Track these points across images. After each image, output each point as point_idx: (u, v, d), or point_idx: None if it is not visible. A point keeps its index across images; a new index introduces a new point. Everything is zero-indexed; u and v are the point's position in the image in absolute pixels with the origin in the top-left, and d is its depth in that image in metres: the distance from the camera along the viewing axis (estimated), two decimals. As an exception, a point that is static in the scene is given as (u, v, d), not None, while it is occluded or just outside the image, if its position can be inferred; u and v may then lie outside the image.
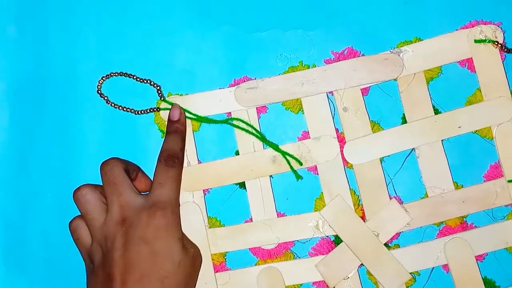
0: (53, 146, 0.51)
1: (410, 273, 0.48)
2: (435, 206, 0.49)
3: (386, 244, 0.49)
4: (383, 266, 0.48)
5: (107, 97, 0.51)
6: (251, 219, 0.50)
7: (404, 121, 0.50)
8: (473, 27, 0.49)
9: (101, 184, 0.46)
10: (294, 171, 0.49)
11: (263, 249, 0.49)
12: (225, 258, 0.50)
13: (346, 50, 0.50)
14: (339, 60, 0.50)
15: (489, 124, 0.49)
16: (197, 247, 0.48)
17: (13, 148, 0.52)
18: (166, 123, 0.49)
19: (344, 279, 0.49)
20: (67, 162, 0.51)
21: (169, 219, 0.44)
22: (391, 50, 0.49)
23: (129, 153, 0.51)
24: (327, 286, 0.49)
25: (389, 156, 0.49)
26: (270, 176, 0.50)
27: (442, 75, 0.50)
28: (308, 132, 0.50)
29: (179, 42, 0.52)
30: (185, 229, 0.49)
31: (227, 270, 0.50)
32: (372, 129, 0.49)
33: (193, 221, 0.49)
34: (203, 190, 0.50)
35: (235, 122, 0.50)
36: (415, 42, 0.50)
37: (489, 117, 0.49)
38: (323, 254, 0.49)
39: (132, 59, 0.51)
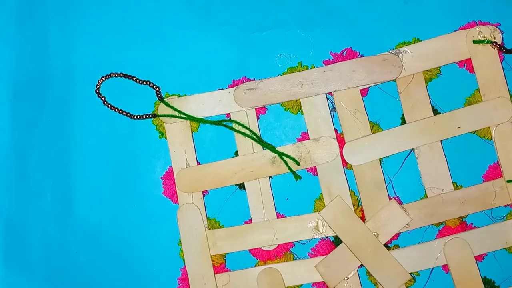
0: (53, 146, 0.51)
1: (410, 274, 0.48)
2: (435, 206, 0.49)
3: (386, 245, 0.49)
4: (383, 267, 0.48)
5: (104, 98, 0.51)
6: (251, 220, 0.50)
7: (403, 121, 0.50)
8: (471, 27, 0.49)
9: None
10: (293, 172, 0.49)
11: (263, 250, 0.49)
12: (225, 259, 0.50)
13: (345, 51, 0.50)
14: (338, 61, 0.50)
15: (488, 124, 0.49)
16: None
17: (13, 148, 0.52)
18: None
19: (344, 279, 0.49)
20: (66, 162, 0.51)
21: None
22: (390, 51, 0.50)
23: (128, 153, 0.51)
24: (327, 286, 0.49)
25: (388, 156, 0.49)
26: (270, 177, 0.50)
27: (441, 76, 0.50)
28: (307, 133, 0.50)
29: (179, 42, 0.52)
30: (185, 230, 0.49)
31: (227, 271, 0.50)
32: (371, 130, 0.49)
33: (192, 222, 0.49)
34: (202, 191, 0.50)
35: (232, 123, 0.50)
36: (414, 43, 0.50)
37: (488, 118, 0.49)
38: (322, 255, 0.49)
39: (132, 59, 0.51)
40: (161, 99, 0.50)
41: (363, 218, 0.49)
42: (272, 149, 0.49)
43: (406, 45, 0.50)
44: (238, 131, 0.49)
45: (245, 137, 0.49)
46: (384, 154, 0.49)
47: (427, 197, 0.49)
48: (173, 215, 0.49)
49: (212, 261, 0.49)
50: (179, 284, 0.50)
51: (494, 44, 0.49)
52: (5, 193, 0.52)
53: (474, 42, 0.49)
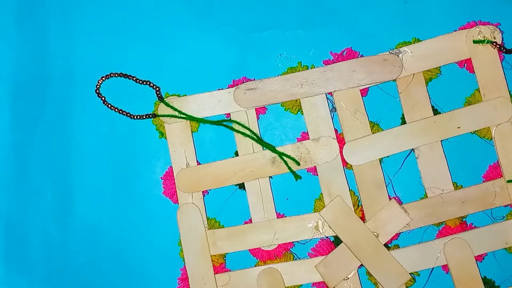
0: (53, 146, 0.51)
1: (410, 274, 0.48)
2: (435, 206, 0.49)
3: (386, 245, 0.49)
4: (383, 267, 0.48)
5: (104, 98, 0.51)
6: (251, 220, 0.50)
7: (403, 121, 0.50)
8: (471, 27, 0.49)
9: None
10: (292, 172, 0.49)
11: (263, 250, 0.49)
12: (225, 259, 0.50)
13: (345, 51, 0.50)
14: (338, 61, 0.50)
15: (488, 124, 0.49)
16: None
17: (13, 148, 0.52)
18: None
19: (344, 279, 0.49)
20: (66, 162, 0.51)
21: None
22: (390, 51, 0.50)
23: (128, 153, 0.51)
24: (327, 286, 0.49)
25: (388, 156, 0.49)
26: (270, 177, 0.50)
27: (441, 76, 0.50)
28: (307, 133, 0.50)
29: (179, 42, 0.52)
30: (185, 230, 0.49)
31: (227, 271, 0.50)
32: (371, 130, 0.49)
33: (192, 222, 0.49)
34: (202, 191, 0.50)
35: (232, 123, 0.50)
36: (414, 43, 0.50)
37: (488, 118, 0.49)
38: (322, 255, 0.49)
39: (132, 59, 0.51)
40: (161, 99, 0.50)
41: (363, 218, 0.49)
42: (272, 149, 0.49)
43: (406, 45, 0.50)
44: (238, 131, 0.49)
45: (245, 137, 0.49)
46: (384, 154, 0.49)
47: (427, 197, 0.49)
48: (173, 215, 0.49)
49: (212, 261, 0.49)
50: (179, 284, 0.50)
51: (494, 44, 0.49)
52: (5, 193, 0.52)
53: (474, 42, 0.49)
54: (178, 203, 0.50)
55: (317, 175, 0.49)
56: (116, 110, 0.51)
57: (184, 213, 0.49)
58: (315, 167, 0.50)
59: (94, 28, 0.52)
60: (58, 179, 0.51)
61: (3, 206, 0.52)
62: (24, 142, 0.52)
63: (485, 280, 0.48)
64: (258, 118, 0.50)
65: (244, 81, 0.50)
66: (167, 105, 0.50)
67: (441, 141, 0.49)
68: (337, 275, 0.48)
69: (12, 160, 0.52)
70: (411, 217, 0.48)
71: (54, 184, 0.51)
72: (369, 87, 0.50)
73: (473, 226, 0.49)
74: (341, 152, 0.49)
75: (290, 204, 0.50)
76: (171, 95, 0.51)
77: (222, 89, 0.50)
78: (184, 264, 0.49)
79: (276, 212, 0.50)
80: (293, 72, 0.50)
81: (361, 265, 0.48)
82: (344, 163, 0.49)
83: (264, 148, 0.49)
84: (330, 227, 0.49)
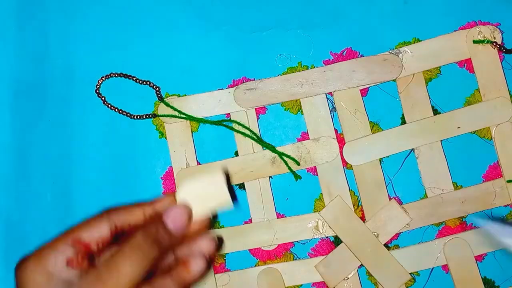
0: (53, 146, 0.51)
1: (410, 274, 0.48)
2: (435, 206, 0.49)
3: (385, 245, 0.49)
4: (383, 267, 0.48)
5: (104, 98, 0.51)
6: (251, 220, 0.50)
7: (403, 121, 0.50)
8: (471, 27, 0.49)
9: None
10: (292, 172, 0.49)
11: (263, 250, 0.49)
12: (225, 259, 0.50)
13: (345, 51, 0.50)
14: (338, 61, 0.50)
15: (488, 124, 0.49)
16: None
17: (13, 148, 0.52)
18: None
19: (344, 279, 0.49)
20: (67, 162, 0.51)
21: None
22: (390, 51, 0.50)
23: (128, 153, 0.51)
24: (327, 287, 0.49)
25: (388, 156, 0.49)
26: (270, 177, 0.50)
27: (441, 76, 0.50)
28: (307, 133, 0.50)
29: (179, 42, 0.52)
30: (185, 230, 0.49)
31: (227, 271, 0.50)
32: (371, 130, 0.49)
33: (192, 222, 0.49)
34: (203, 191, 0.50)
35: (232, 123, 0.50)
36: (414, 43, 0.50)
37: (488, 118, 0.49)
38: (322, 255, 0.49)
39: (131, 59, 0.51)
40: (161, 99, 0.50)
41: (363, 218, 0.49)
42: (272, 149, 0.49)
43: (406, 45, 0.50)
44: (238, 131, 0.49)
45: (245, 137, 0.49)
46: (384, 154, 0.49)
47: (427, 197, 0.49)
48: (173, 215, 0.49)
49: (212, 261, 0.49)
50: (179, 284, 0.50)
51: (494, 44, 0.49)
52: (5, 193, 0.52)
53: (474, 42, 0.49)
54: (178, 203, 0.50)
55: (317, 175, 0.49)
56: (116, 110, 0.51)
57: (184, 213, 0.49)
58: (315, 167, 0.50)
59: (94, 28, 0.52)
60: (58, 179, 0.51)
61: (3, 206, 0.52)
62: (24, 142, 0.52)
63: (485, 280, 0.48)
64: (258, 118, 0.50)
65: (244, 81, 0.50)
66: (167, 105, 0.50)
67: (441, 141, 0.49)
68: (337, 275, 0.48)
69: (12, 160, 0.52)
70: (411, 217, 0.49)
71: (54, 184, 0.51)
72: (369, 87, 0.50)
73: (473, 226, 0.49)
74: (341, 152, 0.49)
75: (290, 204, 0.50)
76: (171, 95, 0.51)
77: (222, 89, 0.50)
78: (184, 264, 0.49)
79: (276, 212, 0.50)
80: (293, 72, 0.50)
81: (361, 265, 0.48)
82: (344, 163, 0.49)
83: (264, 148, 0.49)
84: (330, 227, 0.49)
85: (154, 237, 0.35)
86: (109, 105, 0.51)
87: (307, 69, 0.50)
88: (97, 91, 0.51)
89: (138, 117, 0.51)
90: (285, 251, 0.49)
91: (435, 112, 0.49)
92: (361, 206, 0.49)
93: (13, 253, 0.51)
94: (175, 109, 0.50)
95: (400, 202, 0.49)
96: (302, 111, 0.50)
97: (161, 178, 0.50)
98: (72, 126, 0.52)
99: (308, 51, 0.51)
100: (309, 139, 0.50)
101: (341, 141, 0.49)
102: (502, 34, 0.49)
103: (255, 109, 0.50)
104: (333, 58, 0.50)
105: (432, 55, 0.49)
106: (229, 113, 0.50)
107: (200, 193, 0.38)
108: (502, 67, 0.49)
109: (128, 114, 0.51)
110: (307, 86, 0.50)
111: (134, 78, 0.51)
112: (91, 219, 0.36)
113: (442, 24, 0.50)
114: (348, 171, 0.49)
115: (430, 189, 0.49)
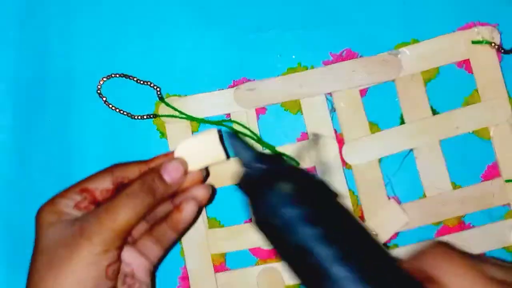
0: (54, 146, 0.52)
1: (409, 273, 0.48)
2: (433, 206, 0.49)
3: (385, 244, 0.49)
4: (382, 266, 0.48)
5: (105, 98, 0.51)
6: (251, 219, 0.50)
7: (402, 121, 0.50)
8: (470, 28, 0.50)
9: None
10: (293, 172, 0.49)
11: (263, 249, 0.49)
12: (225, 259, 0.50)
13: (345, 52, 0.50)
14: (338, 62, 0.50)
15: (486, 124, 0.49)
16: None
17: (13, 149, 0.52)
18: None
19: (343, 278, 0.49)
20: (67, 162, 0.52)
21: None
22: (389, 52, 0.50)
23: (129, 153, 0.51)
24: (327, 285, 0.49)
25: (387, 156, 0.49)
26: (270, 176, 0.50)
27: (439, 76, 0.50)
28: (307, 133, 0.50)
29: (179, 43, 0.52)
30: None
31: (227, 270, 0.50)
32: (370, 130, 0.50)
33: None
34: (203, 190, 0.50)
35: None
36: (413, 43, 0.50)
37: (487, 118, 0.49)
38: (322, 254, 0.49)
39: (132, 59, 0.52)
40: (161, 99, 0.50)
41: (362, 218, 0.49)
42: (272, 149, 0.49)
43: (405, 46, 0.50)
44: (238, 131, 0.50)
45: (245, 137, 0.50)
46: (383, 154, 0.49)
47: (425, 196, 0.49)
48: (174, 214, 0.49)
49: (212, 260, 0.49)
50: (179, 283, 0.50)
51: (493, 44, 0.49)
52: (5, 193, 0.52)
53: (473, 42, 0.49)
54: (178, 203, 0.50)
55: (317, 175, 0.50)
56: (117, 110, 0.51)
57: (184, 213, 0.49)
58: (314, 167, 0.50)
59: (94, 28, 0.52)
60: (58, 179, 0.51)
61: (3, 206, 0.52)
62: (24, 142, 0.52)
63: (483, 279, 0.49)
64: (258, 118, 0.50)
65: (244, 81, 0.50)
66: (168, 105, 0.50)
67: (439, 141, 0.49)
68: (336, 274, 0.49)
69: (12, 160, 0.52)
70: (410, 216, 0.49)
71: (54, 184, 0.51)
72: (368, 87, 0.50)
73: (471, 225, 0.49)
74: (340, 152, 0.49)
75: (290, 204, 0.50)
76: (172, 95, 0.51)
77: (222, 89, 0.50)
78: (185, 263, 0.49)
79: (276, 212, 0.50)
80: (292, 73, 0.50)
81: (360, 264, 0.49)
82: (343, 163, 0.49)
83: (264, 148, 0.50)
84: (330, 227, 0.49)
85: (149, 185, 0.40)
86: (110, 105, 0.51)
87: (307, 69, 0.50)
88: (98, 91, 0.51)
89: (139, 117, 0.51)
90: (285, 251, 0.50)
91: (434, 112, 0.50)
92: (360, 205, 0.49)
93: (14, 253, 0.51)
94: (176, 109, 0.50)
95: (399, 202, 0.49)
96: (301, 111, 0.50)
97: (161, 178, 0.50)
98: (73, 126, 0.52)
99: (308, 52, 0.51)
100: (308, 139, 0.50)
101: (340, 141, 0.50)
102: (500, 35, 0.49)
103: (255, 109, 0.50)
104: (332, 58, 0.50)
105: (430, 56, 0.49)
106: (229, 113, 0.50)
107: (196, 149, 0.43)
108: (501, 67, 0.49)
109: (129, 114, 0.51)
110: (306, 86, 0.50)
111: (135, 79, 0.51)
112: (97, 173, 0.42)
113: (441, 25, 0.50)
114: (347, 170, 0.50)
115: (429, 188, 0.49)
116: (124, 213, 0.38)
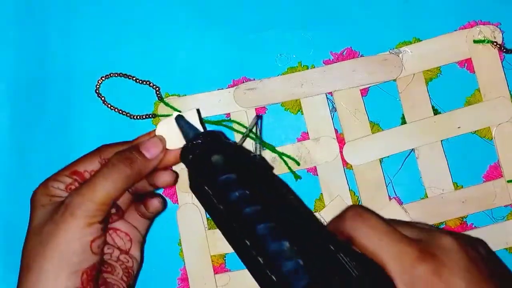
0: (53, 146, 0.51)
1: (410, 274, 0.48)
2: (435, 206, 0.49)
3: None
4: (383, 267, 0.48)
5: (104, 98, 0.51)
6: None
7: (403, 121, 0.50)
8: (472, 27, 0.49)
9: None
10: (292, 171, 0.49)
11: (262, 250, 0.49)
12: (225, 260, 0.50)
13: (345, 51, 0.50)
14: (338, 61, 0.50)
15: (488, 124, 0.49)
16: None
17: (13, 148, 0.52)
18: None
19: (344, 280, 0.48)
20: (67, 162, 0.51)
21: None
22: (390, 51, 0.50)
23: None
24: (327, 287, 0.49)
25: (388, 156, 0.49)
26: (270, 177, 0.50)
27: (441, 76, 0.50)
28: (307, 133, 0.50)
29: (178, 42, 0.52)
30: (185, 230, 0.49)
31: (227, 271, 0.49)
32: (371, 130, 0.49)
33: (192, 222, 0.49)
34: (203, 191, 0.50)
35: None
36: (414, 42, 0.50)
37: (488, 118, 0.49)
38: (323, 255, 0.49)
39: (131, 59, 0.51)
40: (161, 99, 0.50)
41: (363, 218, 0.49)
42: (272, 149, 0.49)
43: (406, 45, 0.50)
44: (238, 131, 0.49)
45: (245, 137, 0.49)
46: (384, 154, 0.49)
47: (427, 197, 0.49)
48: (173, 215, 0.49)
49: (212, 261, 0.49)
50: (179, 284, 0.50)
51: (495, 44, 0.49)
52: (5, 193, 0.52)
53: (475, 42, 0.49)
54: (178, 203, 0.50)
55: (317, 175, 0.49)
56: (116, 110, 0.51)
57: (184, 213, 0.49)
58: (315, 167, 0.49)
59: (93, 28, 0.52)
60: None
61: (3, 206, 0.52)
62: (24, 142, 0.52)
63: (486, 280, 0.48)
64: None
65: (244, 81, 0.50)
66: (167, 105, 0.50)
67: (441, 141, 0.49)
68: (337, 275, 0.48)
69: (12, 160, 0.52)
70: (411, 217, 0.49)
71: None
72: (369, 87, 0.50)
73: (473, 226, 0.49)
74: (341, 152, 0.49)
75: (290, 204, 0.50)
76: (171, 95, 0.51)
77: (222, 89, 0.50)
78: (184, 264, 0.49)
79: (276, 212, 0.49)
80: (293, 72, 0.50)
81: (361, 265, 0.48)
82: (344, 163, 0.49)
83: (264, 148, 0.49)
84: (330, 227, 0.49)
85: (127, 157, 0.42)
86: (109, 105, 0.51)
87: (307, 69, 0.50)
88: (97, 91, 0.51)
89: (138, 117, 0.51)
90: (285, 251, 0.49)
91: (435, 112, 0.49)
92: (361, 206, 0.49)
93: (13, 253, 0.51)
94: (175, 109, 0.50)
95: (400, 202, 0.49)
96: (302, 111, 0.50)
97: (161, 178, 0.50)
98: (72, 126, 0.52)
99: (308, 51, 0.51)
100: (309, 139, 0.50)
101: (341, 141, 0.49)
102: (502, 34, 0.49)
103: (255, 109, 0.50)
104: (333, 58, 0.50)
105: (432, 55, 0.49)
106: (229, 113, 0.50)
107: (176, 128, 0.44)
108: (503, 67, 0.49)
109: (128, 114, 0.51)
110: (307, 86, 0.49)
111: (134, 78, 0.51)
112: (85, 155, 0.44)
113: (443, 24, 0.50)
114: (348, 171, 0.49)
115: (430, 189, 0.49)
116: (103, 184, 0.40)
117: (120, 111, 0.51)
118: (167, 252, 0.50)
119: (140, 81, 0.51)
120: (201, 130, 0.44)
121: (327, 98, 0.50)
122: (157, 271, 0.51)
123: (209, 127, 0.50)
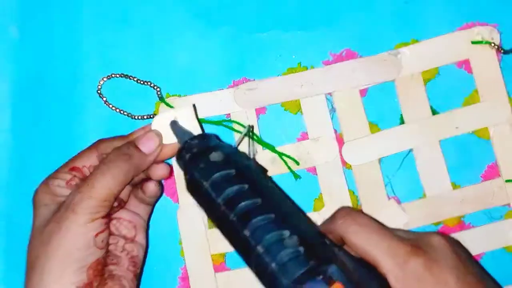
0: (55, 146, 0.51)
1: (409, 273, 0.48)
2: (433, 206, 0.49)
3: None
4: (382, 266, 0.48)
5: (106, 98, 0.51)
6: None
7: (402, 121, 0.50)
8: (470, 28, 0.50)
9: None
10: (292, 171, 0.49)
11: (262, 249, 0.49)
12: (225, 259, 0.50)
13: (344, 52, 0.51)
14: (337, 62, 0.50)
15: (486, 124, 0.49)
16: None
17: (13, 149, 0.52)
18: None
19: (343, 278, 0.49)
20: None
21: None
22: (389, 52, 0.50)
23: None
24: (327, 285, 0.49)
25: (387, 156, 0.49)
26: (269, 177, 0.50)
27: (439, 76, 0.50)
28: (307, 133, 0.50)
29: (179, 43, 0.52)
30: (185, 230, 0.49)
31: (227, 270, 0.50)
32: (370, 130, 0.50)
33: (192, 222, 0.49)
34: (203, 191, 0.50)
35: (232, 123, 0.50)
36: (413, 43, 0.50)
37: (486, 118, 0.49)
38: (322, 254, 0.49)
39: (132, 60, 0.52)
40: (161, 99, 0.50)
41: (362, 218, 0.49)
42: (272, 149, 0.49)
43: (405, 46, 0.50)
44: (238, 131, 0.50)
45: (245, 136, 0.50)
46: (383, 154, 0.49)
47: (425, 196, 0.49)
48: (174, 214, 0.49)
49: (212, 260, 0.49)
50: (179, 283, 0.50)
51: (493, 44, 0.49)
52: (5, 193, 0.52)
53: (473, 42, 0.49)
54: (178, 203, 0.50)
55: (317, 175, 0.50)
56: (117, 110, 0.51)
57: (184, 213, 0.49)
58: (314, 167, 0.50)
59: (95, 28, 0.52)
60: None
61: (3, 206, 0.52)
62: (25, 142, 0.52)
63: (483, 279, 0.49)
64: (258, 118, 0.50)
65: (244, 81, 0.50)
66: (168, 105, 0.50)
67: (439, 141, 0.49)
68: (336, 274, 0.49)
69: (12, 161, 0.52)
70: (410, 216, 0.49)
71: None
72: (368, 87, 0.50)
73: (471, 225, 0.49)
74: (340, 152, 0.49)
75: (289, 204, 0.50)
76: (172, 96, 0.51)
77: (222, 89, 0.50)
78: (185, 263, 0.49)
79: (276, 212, 0.50)
80: (293, 73, 0.50)
81: (360, 264, 0.49)
82: (343, 163, 0.49)
83: (264, 148, 0.50)
84: (330, 227, 0.49)
85: (125, 152, 0.42)
86: (110, 106, 0.51)
87: (307, 69, 0.50)
88: (99, 91, 0.51)
89: (139, 117, 0.51)
90: (285, 251, 0.49)
91: (434, 112, 0.50)
92: (360, 205, 0.49)
93: (13, 253, 0.51)
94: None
95: (399, 202, 0.49)
96: (301, 111, 0.50)
97: (161, 178, 0.50)
98: (74, 126, 0.52)
99: (308, 52, 0.51)
100: (308, 139, 0.50)
101: (340, 141, 0.50)
102: (500, 35, 0.49)
103: (255, 109, 0.50)
104: (332, 58, 0.51)
105: (430, 56, 0.49)
106: (229, 113, 0.50)
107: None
108: (500, 67, 0.49)
109: (129, 115, 0.51)
110: (306, 86, 0.50)
111: (135, 79, 0.51)
112: (83, 151, 0.44)
113: (441, 25, 0.50)
114: (348, 171, 0.50)
115: (429, 188, 0.49)
116: (102, 180, 0.40)
117: (121, 112, 0.51)
118: (168, 251, 0.50)
119: (141, 82, 0.51)
120: (198, 126, 0.45)
121: (326, 98, 0.50)
122: (158, 270, 0.51)
123: (209, 127, 0.51)
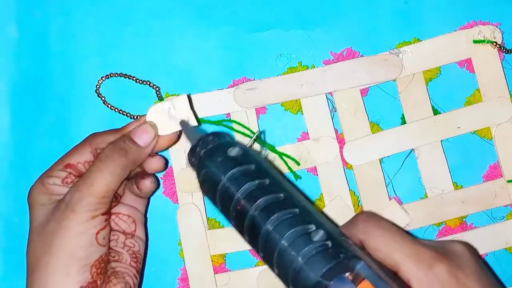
0: (54, 146, 0.51)
1: (410, 274, 0.48)
2: (435, 206, 0.49)
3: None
4: (383, 267, 0.48)
5: (104, 98, 0.51)
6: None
7: (403, 121, 0.50)
8: (471, 27, 0.49)
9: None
10: (292, 171, 0.49)
11: (263, 250, 0.49)
12: (225, 259, 0.50)
13: (345, 51, 0.50)
14: (338, 61, 0.50)
15: (488, 124, 0.49)
16: None
17: (13, 148, 0.52)
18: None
19: (344, 279, 0.48)
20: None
21: None
22: (390, 51, 0.50)
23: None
24: (327, 287, 0.49)
25: (388, 156, 0.49)
26: (270, 177, 0.50)
27: (441, 76, 0.50)
28: (307, 133, 0.50)
29: (178, 42, 0.52)
30: (185, 230, 0.49)
31: (227, 271, 0.49)
32: (371, 130, 0.49)
33: (192, 222, 0.49)
34: (203, 191, 0.50)
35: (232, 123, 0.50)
36: (414, 42, 0.50)
37: (488, 118, 0.49)
38: (323, 255, 0.49)
39: (131, 59, 0.51)
40: (161, 99, 0.50)
41: (363, 218, 0.49)
42: (272, 149, 0.49)
43: (406, 45, 0.50)
44: (238, 131, 0.49)
45: (245, 137, 0.49)
46: (384, 154, 0.49)
47: (427, 197, 0.49)
48: (173, 215, 0.49)
49: (212, 261, 0.49)
50: (179, 284, 0.50)
51: (494, 44, 0.49)
52: (5, 193, 0.52)
53: (474, 42, 0.49)
54: (178, 203, 0.50)
55: (317, 175, 0.49)
56: (116, 110, 0.51)
57: (184, 213, 0.49)
58: (315, 167, 0.50)
59: (94, 28, 0.52)
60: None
61: (3, 206, 0.52)
62: (24, 142, 0.52)
63: (485, 280, 0.48)
64: (258, 118, 0.50)
65: (244, 81, 0.50)
66: (168, 105, 0.50)
67: (441, 141, 0.49)
68: (337, 275, 0.48)
69: (12, 160, 0.52)
70: (411, 217, 0.49)
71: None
72: (369, 87, 0.50)
73: (473, 226, 0.49)
74: (341, 152, 0.49)
75: (290, 204, 0.50)
76: (171, 95, 0.51)
77: (222, 89, 0.50)
78: (184, 264, 0.49)
79: (276, 212, 0.49)
80: (293, 72, 0.50)
81: (361, 265, 0.48)
82: (344, 163, 0.49)
83: (264, 148, 0.49)
84: (330, 227, 0.49)
85: (121, 147, 0.41)
86: (109, 105, 0.51)
87: (307, 69, 0.50)
88: (97, 91, 0.51)
89: (138, 117, 0.51)
90: (285, 251, 0.49)
91: (435, 112, 0.49)
92: (361, 206, 0.49)
93: (13, 253, 0.51)
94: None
95: (400, 202, 0.49)
96: (302, 111, 0.50)
97: (161, 178, 0.50)
98: (72, 126, 0.51)
99: (308, 51, 0.51)
100: (309, 139, 0.50)
101: (341, 141, 0.49)
102: (502, 34, 0.49)
103: (255, 109, 0.50)
104: (333, 58, 0.50)
105: (432, 55, 0.49)
106: (229, 113, 0.50)
107: (166, 114, 0.44)
108: (502, 67, 0.49)
109: (128, 114, 0.51)
110: (307, 86, 0.50)
111: (134, 78, 0.51)
112: (76, 147, 0.44)
113: (442, 24, 0.50)
114: (348, 171, 0.50)
115: (430, 189, 0.49)
116: (99, 177, 0.40)
117: (120, 111, 0.51)
118: (167, 252, 0.50)
119: (140, 81, 0.51)
120: (193, 115, 0.45)
121: (327, 98, 0.50)
122: (157, 271, 0.50)
123: (209, 127, 0.50)
